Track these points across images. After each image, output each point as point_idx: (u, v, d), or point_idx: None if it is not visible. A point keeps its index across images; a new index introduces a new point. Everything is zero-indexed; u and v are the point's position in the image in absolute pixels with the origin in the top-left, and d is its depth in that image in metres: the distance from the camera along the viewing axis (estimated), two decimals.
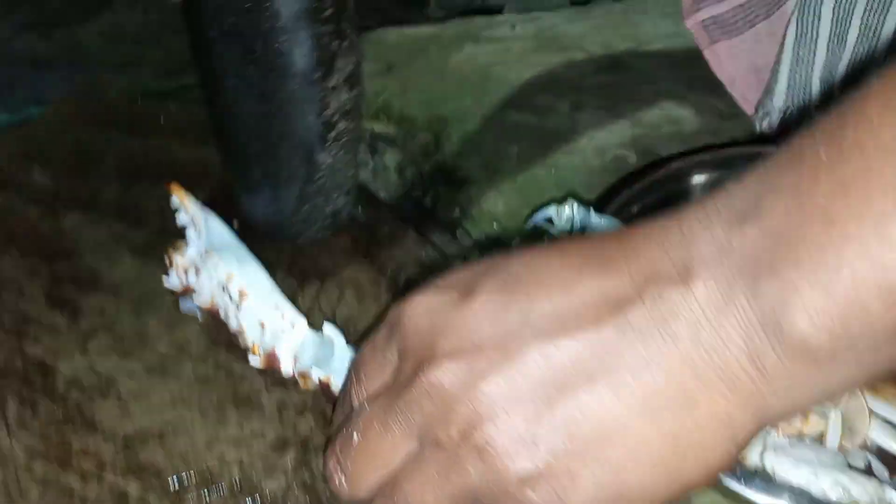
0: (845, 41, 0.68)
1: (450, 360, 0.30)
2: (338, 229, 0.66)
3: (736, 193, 0.27)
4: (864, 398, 0.51)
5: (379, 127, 0.90)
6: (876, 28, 0.66)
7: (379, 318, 0.37)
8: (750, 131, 0.77)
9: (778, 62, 0.70)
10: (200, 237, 0.48)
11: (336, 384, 0.42)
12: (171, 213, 0.65)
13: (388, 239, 0.69)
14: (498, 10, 1.47)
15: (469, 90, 0.93)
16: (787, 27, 0.69)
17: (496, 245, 0.74)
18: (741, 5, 0.72)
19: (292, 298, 0.61)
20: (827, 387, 0.27)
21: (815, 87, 0.70)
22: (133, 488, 0.46)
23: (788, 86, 0.70)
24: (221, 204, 0.63)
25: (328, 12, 0.55)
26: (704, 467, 0.28)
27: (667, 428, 0.27)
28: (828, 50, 0.68)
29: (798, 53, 0.69)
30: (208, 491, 0.47)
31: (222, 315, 0.47)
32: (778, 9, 0.71)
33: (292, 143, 0.59)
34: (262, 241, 0.60)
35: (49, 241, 0.65)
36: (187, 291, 0.48)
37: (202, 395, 0.53)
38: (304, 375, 0.43)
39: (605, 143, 0.81)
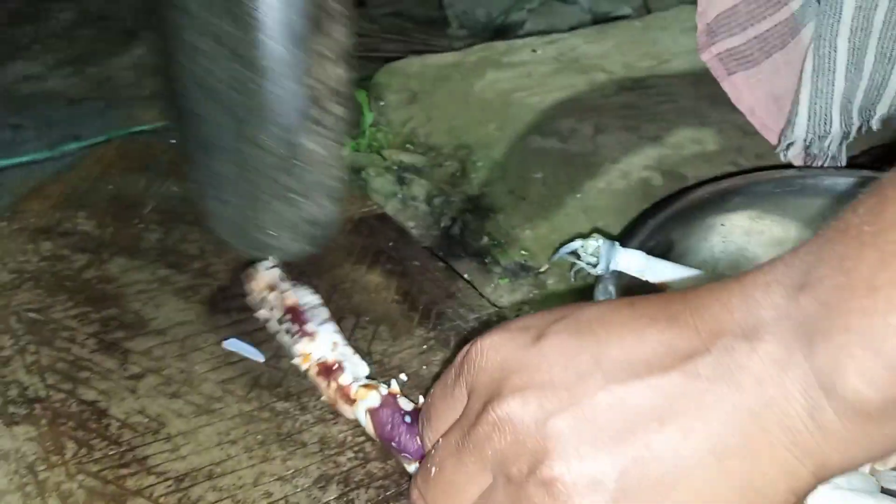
0: (861, 70, 0.68)
1: (520, 395, 0.31)
2: (319, 247, 0.58)
3: (792, 263, 0.29)
4: None
5: (406, 157, 0.92)
6: (891, 54, 0.66)
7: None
8: (772, 148, 0.77)
9: (797, 93, 0.70)
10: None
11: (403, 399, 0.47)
12: (216, 253, 0.69)
13: (419, 273, 0.71)
14: (518, 28, 1.49)
15: (492, 117, 0.95)
16: (804, 59, 0.70)
17: (524, 271, 0.75)
18: (756, 37, 0.73)
19: None
20: (882, 442, 0.28)
21: (835, 116, 0.71)
22: None
23: (809, 117, 0.71)
24: None
25: None
26: None
27: (732, 473, 0.28)
28: (846, 79, 0.69)
29: (817, 85, 0.69)
30: None
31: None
32: (793, 38, 0.71)
33: (275, 123, 0.49)
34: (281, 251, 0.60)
35: (96, 286, 0.68)
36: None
37: (247, 433, 0.55)
38: (371, 387, 0.48)
39: (630, 165, 0.82)
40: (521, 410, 0.31)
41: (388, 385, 0.48)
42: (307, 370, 0.52)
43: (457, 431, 0.34)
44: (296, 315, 0.55)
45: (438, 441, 0.36)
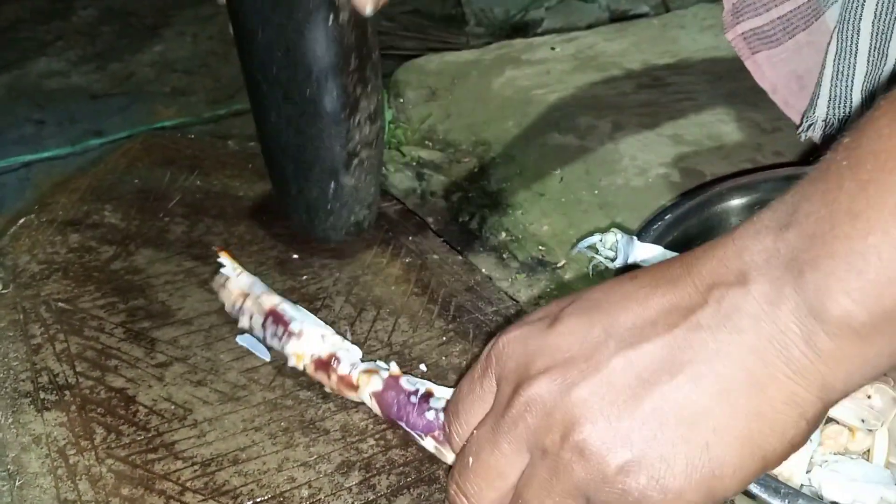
0: (886, 54, 0.69)
1: (544, 375, 0.34)
2: (360, 234, 0.73)
3: (778, 207, 0.32)
4: None
5: (425, 154, 0.93)
6: None
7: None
8: (791, 144, 0.78)
9: (821, 74, 0.71)
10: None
11: (406, 382, 0.47)
12: (240, 245, 0.71)
13: (438, 266, 0.72)
14: (536, 26, 1.50)
15: (511, 114, 0.96)
16: (829, 42, 0.70)
17: (541, 266, 0.76)
18: (780, 17, 0.73)
19: (350, 325, 0.65)
20: (876, 361, 0.30)
21: (856, 99, 0.71)
22: None
23: (830, 98, 0.71)
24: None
25: (353, 65, 0.64)
26: (782, 440, 0.31)
27: (742, 409, 0.31)
28: (868, 63, 0.69)
29: (838, 67, 0.70)
30: None
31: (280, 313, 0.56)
32: (816, 20, 0.72)
33: (321, 168, 0.68)
34: (302, 241, 0.73)
35: (123, 277, 0.69)
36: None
37: (272, 420, 0.56)
38: (372, 371, 0.49)
39: (648, 162, 0.83)
40: (547, 388, 0.33)
41: (388, 367, 0.49)
42: (304, 369, 0.53)
43: (490, 420, 0.37)
44: (277, 317, 0.55)
45: (472, 433, 0.38)
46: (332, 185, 0.68)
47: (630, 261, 0.59)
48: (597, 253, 0.59)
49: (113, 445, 0.54)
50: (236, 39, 0.67)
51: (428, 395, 0.45)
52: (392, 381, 0.47)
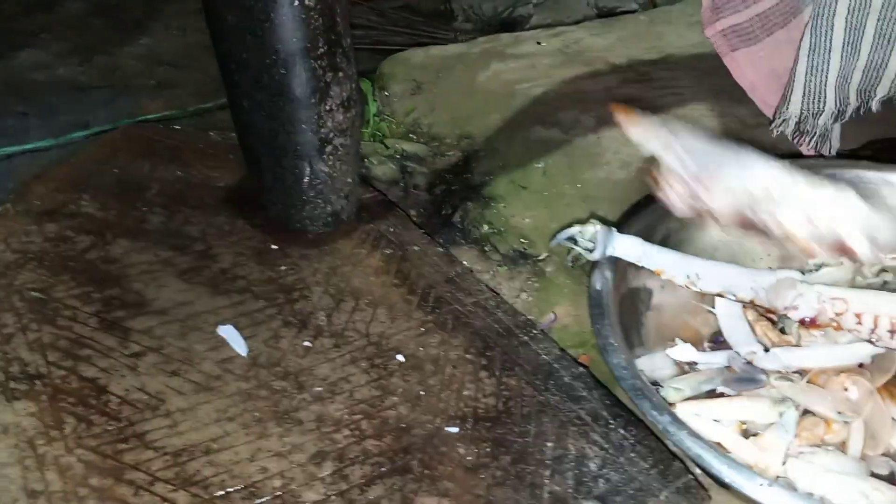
0: (859, 49, 0.69)
1: None
2: (339, 226, 0.74)
3: None
4: (886, 406, 0.52)
5: (409, 146, 0.93)
6: (891, 36, 0.66)
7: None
8: (774, 140, 0.77)
9: (793, 70, 0.71)
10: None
11: None
12: (218, 236, 0.71)
13: (418, 258, 0.71)
14: (524, 22, 1.50)
15: (496, 107, 0.95)
16: (801, 37, 0.70)
17: (523, 259, 0.76)
18: (759, 14, 0.73)
19: (328, 317, 0.64)
20: None
21: (830, 94, 0.71)
22: (182, 500, 0.49)
23: (804, 94, 0.71)
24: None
25: (321, 50, 0.65)
26: None
27: None
28: (842, 58, 0.69)
29: (812, 62, 0.70)
30: (252, 501, 0.49)
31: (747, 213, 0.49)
32: (794, 17, 0.72)
33: (294, 153, 0.69)
34: (281, 232, 0.73)
35: (99, 267, 0.68)
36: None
37: (245, 410, 0.56)
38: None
39: (631, 156, 0.82)
40: None
41: None
42: None
43: None
44: None
45: None
46: (307, 171, 0.69)
47: (609, 253, 0.58)
48: (575, 244, 0.58)
49: (83, 435, 0.53)
50: (209, 27, 0.68)
51: None
52: None
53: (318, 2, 0.62)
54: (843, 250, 0.46)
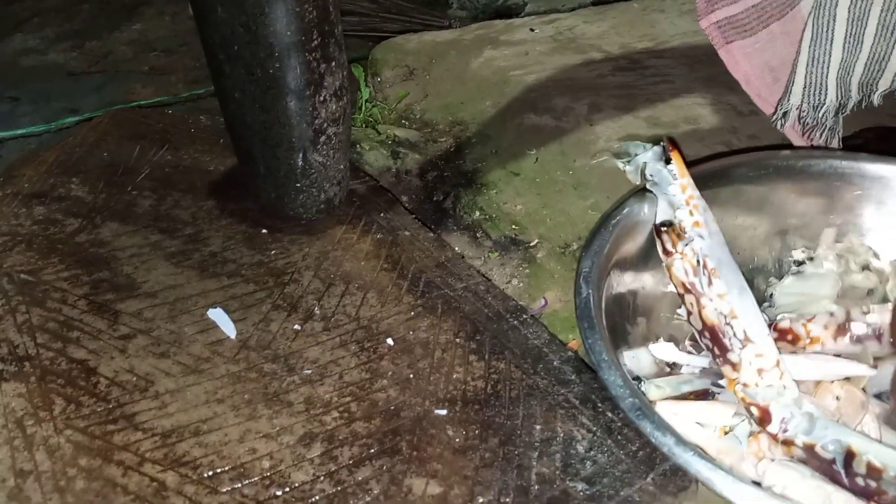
0: (861, 41, 0.68)
1: None
2: (331, 211, 0.74)
3: None
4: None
5: (401, 132, 0.93)
6: (894, 27, 0.66)
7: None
8: (766, 128, 0.77)
9: (795, 62, 0.71)
10: (706, 239, 0.55)
11: (821, 450, 0.48)
12: (208, 220, 0.71)
13: (409, 243, 0.71)
14: (518, 10, 1.49)
15: (488, 94, 0.95)
16: (804, 28, 0.70)
17: (514, 245, 0.76)
18: (755, 6, 0.73)
19: (318, 300, 0.64)
20: None
21: (831, 86, 0.71)
22: (171, 480, 0.49)
23: (805, 85, 0.71)
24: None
25: (315, 42, 0.64)
26: None
27: None
28: (844, 50, 0.69)
29: (814, 53, 0.70)
30: (241, 482, 0.49)
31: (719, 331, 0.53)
32: (791, 9, 0.72)
33: (289, 145, 0.68)
34: (271, 216, 0.73)
35: (88, 250, 0.68)
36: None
37: (235, 392, 0.56)
38: (789, 442, 0.49)
39: (622, 144, 0.82)
40: None
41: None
42: None
43: None
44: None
45: None
46: (301, 162, 0.68)
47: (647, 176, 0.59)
48: (628, 164, 0.59)
49: (72, 416, 0.53)
50: (195, 17, 0.66)
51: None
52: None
53: None
54: (763, 417, 0.52)
